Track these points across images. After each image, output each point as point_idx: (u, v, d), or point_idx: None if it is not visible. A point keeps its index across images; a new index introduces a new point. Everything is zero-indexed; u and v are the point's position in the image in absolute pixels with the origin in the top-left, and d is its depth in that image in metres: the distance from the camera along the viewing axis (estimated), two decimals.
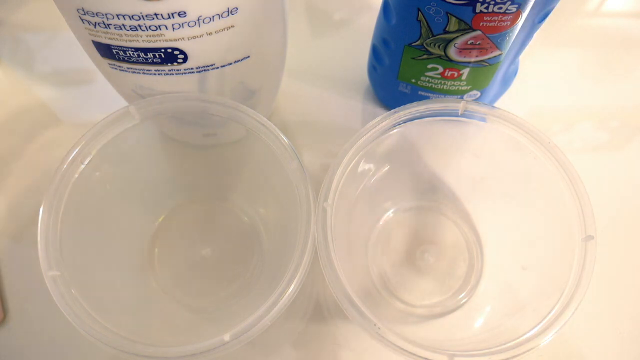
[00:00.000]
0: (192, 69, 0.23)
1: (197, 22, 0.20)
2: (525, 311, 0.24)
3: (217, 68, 0.23)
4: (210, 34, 0.21)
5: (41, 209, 0.22)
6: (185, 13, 0.19)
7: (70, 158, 0.23)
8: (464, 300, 0.28)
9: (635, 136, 0.33)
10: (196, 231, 0.30)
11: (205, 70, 0.23)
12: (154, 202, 0.30)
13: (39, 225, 0.22)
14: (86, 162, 0.24)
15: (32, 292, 0.28)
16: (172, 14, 0.19)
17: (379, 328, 0.21)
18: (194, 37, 0.21)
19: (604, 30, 0.37)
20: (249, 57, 0.23)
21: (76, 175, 0.23)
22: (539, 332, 0.21)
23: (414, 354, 0.20)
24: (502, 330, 0.24)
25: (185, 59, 0.22)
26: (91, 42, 0.21)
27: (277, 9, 0.23)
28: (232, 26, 0.21)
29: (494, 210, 0.29)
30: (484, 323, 0.26)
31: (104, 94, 0.29)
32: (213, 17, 0.20)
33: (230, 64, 0.23)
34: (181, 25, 0.20)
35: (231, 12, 0.20)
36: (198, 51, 0.22)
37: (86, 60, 0.23)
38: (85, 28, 0.20)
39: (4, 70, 0.34)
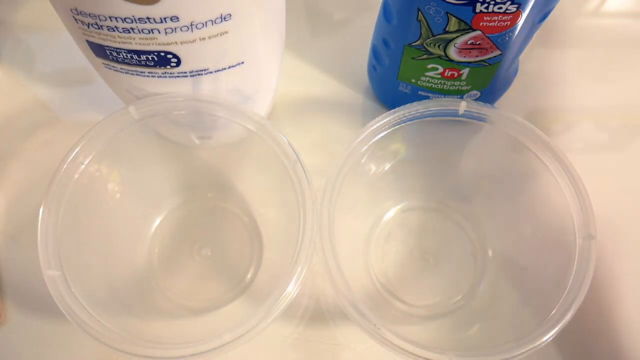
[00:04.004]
0: (185, 72, 0.23)
1: (189, 27, 0.20)
2: (525, 311, 0.24)
3: (211, 73, 0.23)
4: (203, 39, 0.21)
5: (41, 209, 0.22)
6: (177, 18, 0.19)
7: (70, 158, 0.23)
8: (464, 301, 0.28)
9: (635, 136, 0.33)
10: (196, 231, 0.30)
11: (198, 74, 0.23)
12: (154, 202, 0.30)
13: (39, 225, 0.22)
14: (86, 162, 0.24)
15: (32, 292, 0.28)
16: (165, 19, 0.19)
17: (379, 328, 0.21)
18: (187, 42, 0.21)
19: (604, 30, 0.37)
20: (243, 62, 0.23)
21: (76, 175, 0.23)
22: (539, 332, 0.21)
23: (414, 354, 0.20)
24: (503, 330, 0.24)
25: (178, 63, 0.22)
26: (85, 42, 0.21)
27: (272, 17, 0.23)
28: (226, 32, 0.21)
29: (494, 210, 0.29)
30: (484, 323, 0.26)
31: (103, 94, 0.29)
32: (206, 22, 0.20)
33: (225, 69, 0.23)
34: (174, 30, 0.20)
35: (224, 18, 0.20)
36: (191, 56, 0.21)
37: (86, 61, 0.23)
38: (79, 28, 0.20)
39: (4, 70, 0.34)
